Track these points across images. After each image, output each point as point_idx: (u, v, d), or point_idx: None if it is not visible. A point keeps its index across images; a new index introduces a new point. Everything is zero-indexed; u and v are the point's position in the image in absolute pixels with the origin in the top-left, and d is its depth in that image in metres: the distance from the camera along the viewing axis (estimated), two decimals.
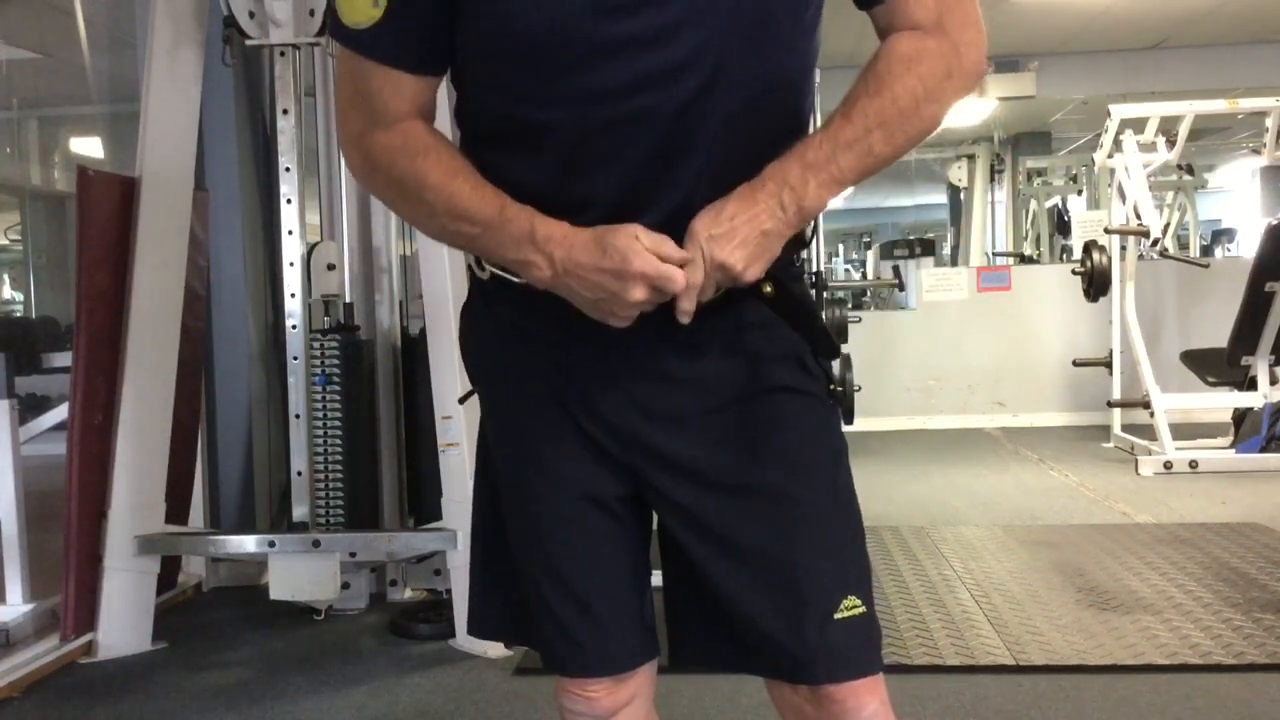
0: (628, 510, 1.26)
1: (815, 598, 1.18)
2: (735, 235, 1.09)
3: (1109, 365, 6.08)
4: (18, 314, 9.94)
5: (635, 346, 1.18)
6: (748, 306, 1.17)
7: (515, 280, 1.19)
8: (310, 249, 3.28)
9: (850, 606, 1.19)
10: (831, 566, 1.20)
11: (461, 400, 1.36)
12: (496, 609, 1.35)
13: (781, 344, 1.21)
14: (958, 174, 11.25)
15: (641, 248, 1.08)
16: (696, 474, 1.21)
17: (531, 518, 1.26)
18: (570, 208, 1.13)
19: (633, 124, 1.11)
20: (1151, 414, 5.58)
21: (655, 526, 1.29)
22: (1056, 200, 11.25)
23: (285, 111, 3.11)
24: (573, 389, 1.22)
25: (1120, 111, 5.93)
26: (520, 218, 1.13)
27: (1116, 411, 6.17)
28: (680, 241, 1.11)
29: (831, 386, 1.27)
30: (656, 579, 1.28)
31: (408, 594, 3.60)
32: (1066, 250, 10.13)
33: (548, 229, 1.12)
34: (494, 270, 1.22)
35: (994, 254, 11.29)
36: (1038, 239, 10.96)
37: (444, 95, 1.27)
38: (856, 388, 4.77)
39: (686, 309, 1.11)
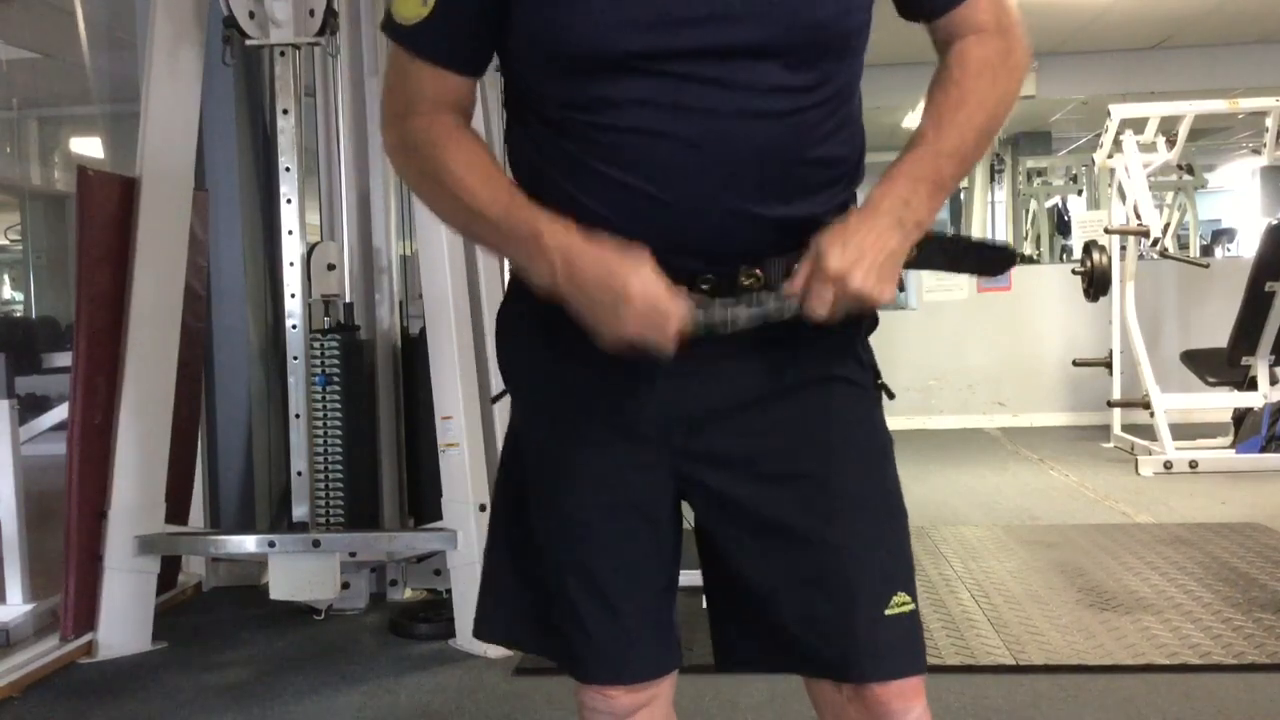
0: (667, 517, 1.24)
1: (866, 592, 1.17)
2: (865, 259, 1.08)
3: (1109, 365, 6.08)
4: (18, 314, 9.94)
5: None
6: None
7: None
8: (310, 249, 3.28)
9: (900, 603, 1.18)
10: (882, 561, 1.19)
11: (494, 400, 1.34)
12: (508, 613, 1.32)
13: (835, 334, 1.17)
14: None
15: (647, 274, 1.08)
16: (748, 464, 1.19)
17: (569, 523, 1.23)
18: (623, 213, 1.12)
19: (695, 127, 1.10)
20: (1151, 414, 5.58)
21: (695, 529, 1.26)
22: (1056, 200, 11.27)
23: (285, 111, 3.11)
24: (619, 386, 1.19)
25: (1120, 111, 5.93)
26: (524, 217, 1.13)
27: (1116, 411, 6.17)
28: (732, 252, 1.13)
29: (879, 381, 1.26)
30: (685, 579, 1.26)
31: (408, 594, 3.60)
32: (1066, 250, 10.14)
33: (554, 235, 1.10)
34: None
35: None
36: (1038, 239, 10.97)
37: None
38: None
39: (818, 319, 1.10)
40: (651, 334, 1.08)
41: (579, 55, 1.10)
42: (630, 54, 1.09)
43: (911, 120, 8.38)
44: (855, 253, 1.07)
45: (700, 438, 1.19)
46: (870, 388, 1.24)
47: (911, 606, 1.19)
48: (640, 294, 1.07)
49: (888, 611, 1.17)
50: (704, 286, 1.14)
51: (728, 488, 1.20)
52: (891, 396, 1.27)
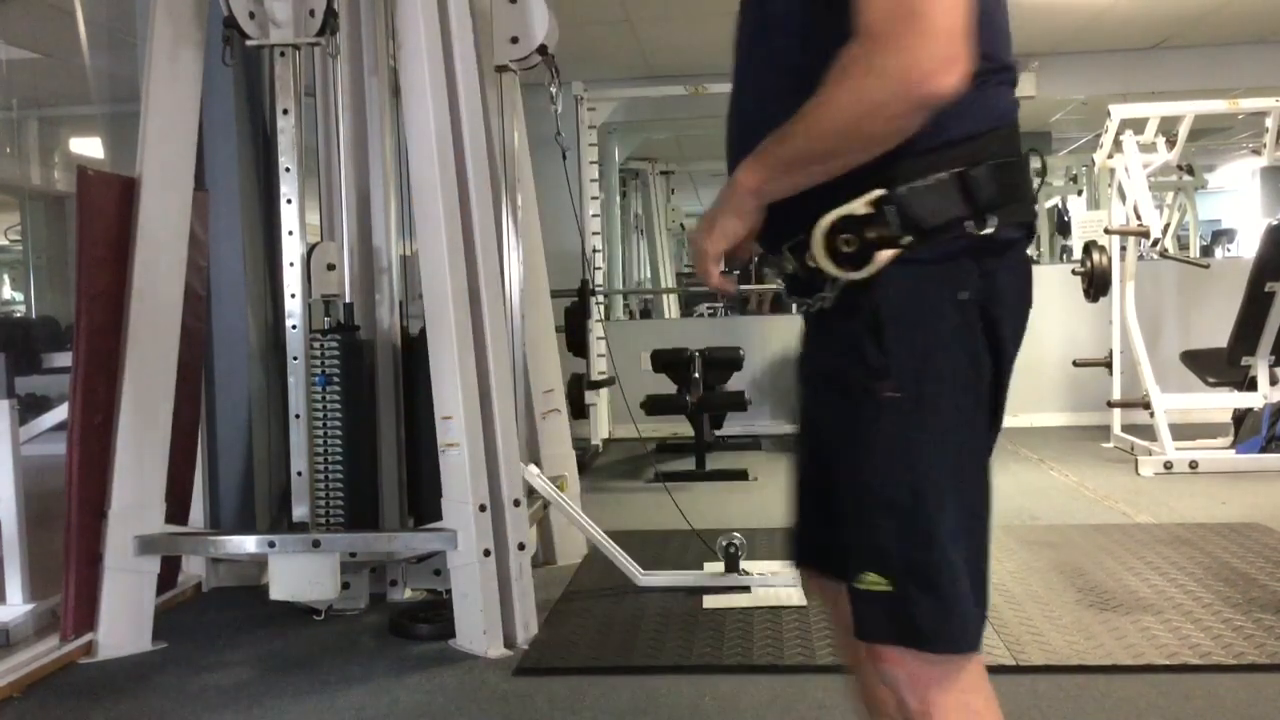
0: None
1: (847, 560, 1.28)
2: (706, 217, 1.30)
3: (1109, 365, 6.08)
4: (18, 314, 9.94)
5: None
6: (840, 290, 1.23)
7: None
8: (310, 249, 3.28)
9: (871, 581, 1.24)
10: (857, 538, 1.27)
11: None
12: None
13: (845, 327, 1.24)
14: None
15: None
16: (807, 425, 1.45)
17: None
18: None
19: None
20: (1151, 414, 5.58)
21: None
22: (1056, 200, 11.26)
23: (285, 111, 3.11)
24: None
25: (1120, 111, 5.93)
26: None
27: (1116, 411, 6.17)
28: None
29: (883, 383, 1.23)
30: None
31: (408, 594, 3.60)
32: (1066, 250, 10.14)
33: None
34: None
35: None
36: (1038, 239, 10.97)
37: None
38: None
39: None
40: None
41: None
42: None
43: None
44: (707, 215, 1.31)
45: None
46: (869, 386, 1.23)
47: (883, 587, 1.24)
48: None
49: (857, 585, 1.26)
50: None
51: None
52: (895, 401, 1.23)
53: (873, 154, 1.15)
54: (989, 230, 1.20)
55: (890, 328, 1.21)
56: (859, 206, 1.18)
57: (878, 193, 1.18)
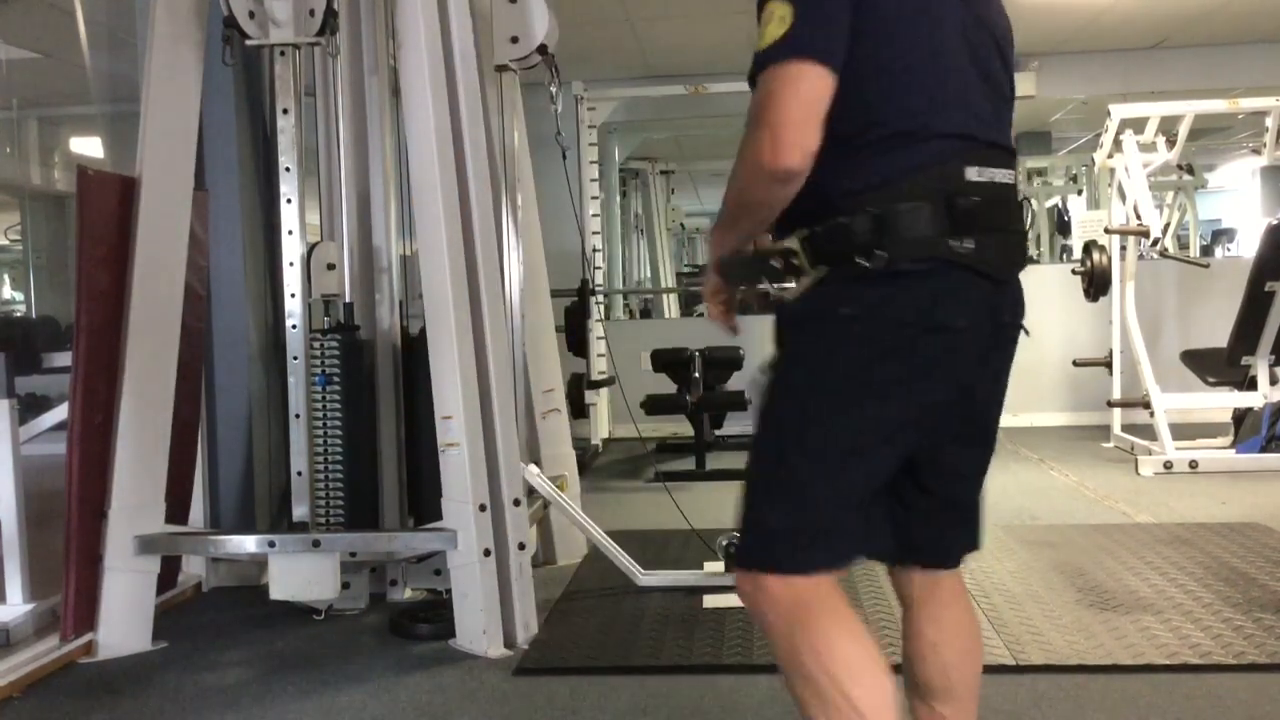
0: None
1: None
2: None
3: (1109, 365, 6.08)
4: (18, 314, 9.95)
5: None
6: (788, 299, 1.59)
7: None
8: (310, 249, 3.28)
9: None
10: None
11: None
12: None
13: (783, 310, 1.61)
14: None
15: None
16: None
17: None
18: None
19: None
20: (1151, 414, 5.58)
21: None
22: (1056, 200, 11.26)
23: (285, 111, 3.11)
24: None
25: (1120, 111, 5.93)
26: None
27: (1116, 411, 6.17)
28: None
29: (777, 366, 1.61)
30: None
31: (408, 594, 3.61)
32: (1066, 250, 10.14)
33: None
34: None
35: None
36: (1038, 239, 10.97)
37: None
38: None
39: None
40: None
41: None
42: None
43: None
44: None
45: None
46: (775, 369, 1.62)
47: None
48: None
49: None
50: None
51: None
52: (776, 377, 1.60)
53: (762, 216, 1.54)
54: (875, 263, 1.48)
55: (791, 328, 1.61)
56: (793, 243, 1.54)
57: (804, 233, 1.53)
